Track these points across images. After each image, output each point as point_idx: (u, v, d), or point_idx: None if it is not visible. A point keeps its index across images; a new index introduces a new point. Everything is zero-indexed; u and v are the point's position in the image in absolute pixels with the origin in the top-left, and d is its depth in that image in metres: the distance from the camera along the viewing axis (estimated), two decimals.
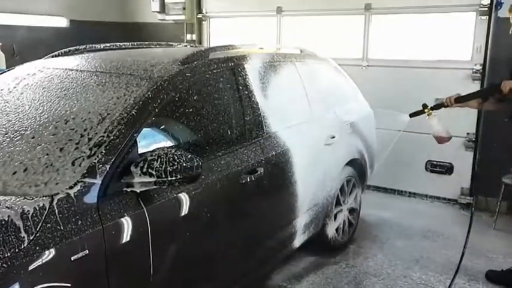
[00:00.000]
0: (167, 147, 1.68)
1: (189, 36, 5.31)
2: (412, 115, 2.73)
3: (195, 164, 1.63)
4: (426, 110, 2.68)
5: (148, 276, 1.65)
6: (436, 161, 3.95)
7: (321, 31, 4.42)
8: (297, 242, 2.61)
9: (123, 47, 2.83)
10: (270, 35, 4.72)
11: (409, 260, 2.96)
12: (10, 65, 4.49)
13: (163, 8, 5.28)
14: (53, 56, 2.56)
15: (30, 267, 1.29)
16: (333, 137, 2.77)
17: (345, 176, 3.00)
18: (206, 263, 1.95)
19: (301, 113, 2.64)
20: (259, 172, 2.15)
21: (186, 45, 3.32)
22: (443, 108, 2.68)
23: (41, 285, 1.30)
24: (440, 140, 2.75)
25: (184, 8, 5.16)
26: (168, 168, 1.58)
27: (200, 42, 5.27)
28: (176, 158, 1.60)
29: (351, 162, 3.05)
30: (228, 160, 2.04)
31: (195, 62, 2.11)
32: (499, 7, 3.52)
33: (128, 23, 5.71)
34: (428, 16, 3.93)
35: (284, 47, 3.05)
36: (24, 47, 4.69)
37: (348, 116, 3.06)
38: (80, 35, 4.97)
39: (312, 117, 2.69)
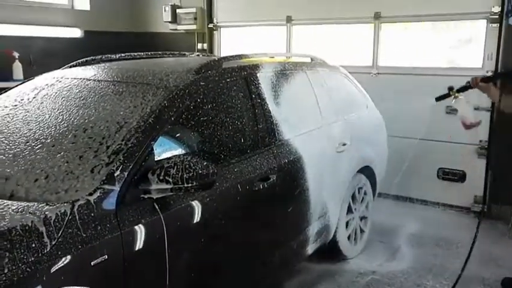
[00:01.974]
0: (183, 155, 1.72)
1: (200, 46, 5.40)
2: (438, 99, 2.68)
3: (210, 171, 1.67)
4: (452, 93, 2.61)
5: (164, 281, 1.68)
6: (448, 169, 3.92)
7: (330, 39, 4.46)
8: (309, 249, 2.62)
9: (138, 56, 2.91)
10: (280, 44, 4.78)
11: (422, 269, 2.94)
12: (27, 74, 4.62)
13: (175, 18, 5.38)
14: (70, 66, 2.63)
15: (52, 271, 1.33)
16: (345, 144, 2.79)
17: (356, 183, 3.01)
18: (220, 270, 1.97)
19: (313, 121, 2.67)
20: (272, 179, 2.17)
21: (198, 55, 3.39)
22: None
23: None
24: (468, 125, 2.63)
25: (195, 18, 5.25)
26: (185, 176, 1.62)
27: (211, 51, 5.35)
28: (192, 165, 1.64)
29: (363, 170, 3.06)
30: (242, 167, 2.07)
31: (209, 72, 2.16)
32: (509, 15, 3.53)
33: (140, 32, 5.82)
34: (438, 24, 3.95)
35: (295, 55, 3.09)
36: (41, 57, 4.81)
37: (359, 123, 3.08)
38: (94, 45, 5.09)
39: (324, 125, 2.72)
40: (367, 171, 3.12)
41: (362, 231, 3.18)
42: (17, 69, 4.59)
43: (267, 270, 2.29)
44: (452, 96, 2.60)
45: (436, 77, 3.91)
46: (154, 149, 1.74)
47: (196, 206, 1.81)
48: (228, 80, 2.23)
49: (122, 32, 5.65)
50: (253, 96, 2.30)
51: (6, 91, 2.41)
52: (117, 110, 1.90)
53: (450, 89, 2.61)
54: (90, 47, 5.01)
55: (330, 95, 2.89)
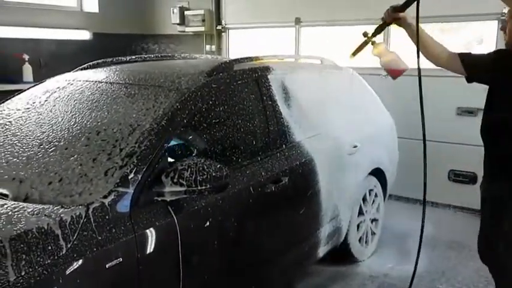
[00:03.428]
0: (196, 157, 1.71)
1: (208, 48, 5.40)
2: (354, 53, 2.26)
3: (224, 173, 1.66)
4: (368, 39, 2.18)
5: (177, 284, 1.67)
6: (459, 171, 3.89)
7: (339, 41, 4.44)
8: (321, 252, 2.60)
9: (148, 59, 2.91)
10: (288, 46, 4.76)
11: (435, 272, 2.91)
12: (37, 76, 4.66)
13: (183, 20, 5.39)
14: (81, 69, 2.64)
15: (68, 274, 1.33)
16: (355, 146, 2.77)
17: (367, 185, 2.99)
18: (232, 272, 1.97)
19: (324, 123, 2.65)
20: (284, 181, 2.16)
21: (209, 57, 3.39)
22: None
23: None
24: (394, 71, 2.24)
25: (203, 20, 5.26)
26: (198, 178, 1.61)
27: (219, 53, 5.36)
28: (206, 167, 1.64)
29: (373, 172, 3.04)
30: (253, 169, 2.07)
31: (221, 74, 2.15)
32: None
33: (148, 35, 5.84)
34: (449, 25, 3.91)
35: (305, 57, 3.08)
36: (50, 59, 4.85)
37: (370, 125, 3.06)
38: (103, 47, 5.12)
39: (334, 127, 2.70)
40: (378, 173, 3.10)
41: (373, 233, 3.15)
42: (27, 71, 4.62)
43: (279, 272, 2.27)
44: (370, 42, 2.18)
45: (447, 78, 3.87)
46: (167, 151, 1.74)
47: (209, 208, 1.81)
48: (240, 82, 2.22)
49: (130, 34, 5.68)
50: (265, 98, 2.29)
51: (17, 94, 2.43)
52: (130, 112, 1.90)
53: (365, 34, 2.20)
54: (99, 49, 5.05)
55: (340, 96, 2.88)
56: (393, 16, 2.02)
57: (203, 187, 1.62)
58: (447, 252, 3.19)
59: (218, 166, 1.66)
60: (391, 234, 3.43)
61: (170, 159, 1.78)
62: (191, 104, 1.92)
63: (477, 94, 3.72)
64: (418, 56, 2.00)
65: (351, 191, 2.78)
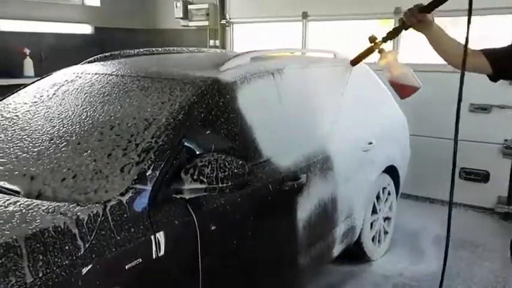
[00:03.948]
0: (216, 153, 1.63)
1: (212, 42, 5.32)
2: (354, 61, 1.85)
3: (246, 170, 1.59)
4: (376, 45, 1.79)
5: (197, 284, 1.60)
6: (471, 169, 3.82)
7: (347, 36, 4.36)
8: (336, 251, 2.53)
9: (156, 52, 2.83)
10: (294, 41, 4.68)
11: (450, 271, 2.84)
12: (38, 71, 4.56)
13: (186, 14, 5.30)
14: (89, 62, 2.55)
15: (87, 276, 1.25)
16: (371, 143, 2.70)
17: (381, 183, 2.92)
18: (251, 271, 1.90)
19: (339, 118, 2.58)
20: (302, 179, 2.09)
21: (218, 51, 3.31)
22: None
23: None
24: (404, 89, 1.83)
25: (207, 14, 5.17)
26: (220, 175, 1.54)
27: (224, 48, 5.27)
28: (227, 164, 1.56)
29: (387, 169, 2.97)
30: (272, 167, 1.99)
31: (237, 66, 2.07)
32: None
33: (151, 29, 5.74)
34: (462, 19, 3.84)
35: (318, 50, 3.00)
36: (51, 53, 4.75)
37: (384, 121, 2.99)
38: (105, 42, 5.03)
39: (350, 123, 2.63)
40: (391, 170, 3.03)
41: (385, 232, 3.09)
42: (28, 65, 4.53)
43: (295, 271, 2.20)
44: (377, 50, 1.78)
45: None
46: (184, 146, 1.66)
47: (228, 206, 1.73)
48: (255, 75, 2.14)
49: (132, 29, 5.59)
50: (281, 91, 2.22)
51: (23, 87, 2.34)
52: (144, 106, 1.82)
53: (372, 40, 1.81)
54: (101, 44, 4.96)
55: (355, 91, 2.80)
56: (418, 18, 1.67)
57: (224, 184, 1.55)
58: (460, 252, 3.13)
59: (240, 162, 1.59)
60: (402, 233, 3.38)
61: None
62: (208, 98, 1.84)
63: (490, 90, 3.67)
64: (464, 60, 1.57)
65: (366, 188, 2.71)
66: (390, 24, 4.11)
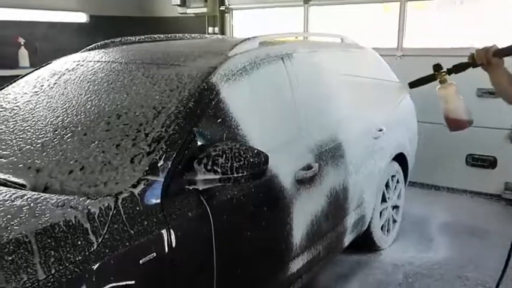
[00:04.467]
0: (230, 142, 1.56)
1: (210, 30, 5.20)
2: (413, 84, 1.86)
3: (263, 159, 1.52)
4: (439, 75, 1.76)
5: (212, 276, 1.55)
6: (478, 155, 3.78)
7: (350, 20, 4.28)
8: (346, 241, 2.49)
9: (158, 39, 2.73)
10: (296, 26, 4.59)
11: (461, 259, 2.81)
12: (33, 61, 4.44)
13: (184, 1, 5.16)
14: (89, 50, 2.46)
15: (101, 272, 1.19)
16: (381, 130, 2.64)
17: (390, 171, 2.87)
18: (265, 262, 1.85)
19: (349, 105, 2.51)
20: (314, 168, 2.03)
21: (220, 37, 3.22)
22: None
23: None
24: (456, 123, 1.80)
25: (206, 1, 5.04)
26: (235, 164, 1.47)
27: (223, 35, 5.15)
28: (242, 153, 1.50)
29: (396, 157, 2.92)
30: (284, 155, 1.93)
31: (246, 51, 1.99)
32: None
33: (147, 17, 5.61)
34: (468, 2, 3.76)
35: (325, 34, 2.91)
36: (46, 43, 4.62)
37: (393, 108, 2.93)
38: (100, 31, 4.89)
39: (360, 109, 2.56)
40: (400, 158, 2.98)
41: (394, 220, 3.05)
42: (23, 56, 4.41)
43: (307, 263, 2.15)
44: (439, 79, 1.78)
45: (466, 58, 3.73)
46: (196, 135, 1.59)
47: (242, 196, 1.67)
48: (265, 60, 2.06)
49: (129, 17, 5.44)
50: (291, 77, 2.14)
51: (21, 77, 2.24)
52: (152, 93, 1.74)
53: (436, 68, 1.80)
54: (97, 33, 4.82)
55: (363, 77, 2.73)
56: (490, 60, 1.64)
57: (239, 174, 1.48)
58: (470, 239, 3.09)
59: (255, 151, 1.52)
60: (410, 221, 3.34)
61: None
62: (218, 84, 1.76)
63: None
64: None
65: (376, 176, 2.66)
66: (395, 10, 4.03)
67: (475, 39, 3.70)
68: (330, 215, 2.23)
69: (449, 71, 1.78)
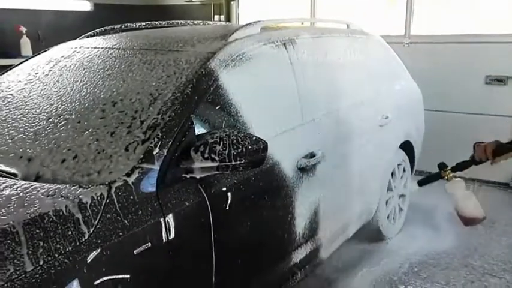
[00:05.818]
0: (228, 129, 1.51)
1: (216, 18, 5.12)
2: (422, 182, 1.99)
3: (261, 146, 1.47)
4: (444, 173, 1.89)
5: (210, 267, 1.51)
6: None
7: (357, 6, 4.17)
8: (352, 229, 2.44)
9: (159, 25, 2.67)
10: (302, 14, 4.48)
11: (467, 248, 2.76)
12: (36, 51, 4.39)
13: None
14: (87, 36, 2.41)
15: (92, 263, 1.15)
16: (387, 117, 2.57)
17: (397, 159, 2.80)
18: (266, 253, 1.81)
19: (355, 92, 2.44)
20: (317, 156, 1.97)
21: (223, 23, 3.14)
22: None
23: (101, 280, 1.17)
24: (469, 221, 1.94)
25: None
26: (233, 152, 1.42)
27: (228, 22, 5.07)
28: (240, 140, 1.44)
29: (402, 145, 2.84)
30: (285, 143, 1.87)
31: (246, 36, 1.93)
32: None
33: (152, 5, 5.53)
34: None
35: (330, 20, 2.82)
36: (49, 32, 4.58)
37: (400, 95, 2.85)
38: (104, 19, 4.82)
39: (365, 96, 2.49)
40: (407, 146, 2.90)
41: (400, 209, 2.99)
42: (26, 44, 4.37)
43: (311, 253, 2.11)
44: (445, 178, 1.90)
45: (476, 45, 3.61)
46: (193, 122, 1.54)
47: (241, 185, 1.62)
48: (267, 45, 1.99)
49: (133, 5, 5.38)
50: (293, 63, 2.07)
51: (17, 65, 2.20)
52: (148, 80, 1.69)
53: (441, 167, 1.91)
54: (101, 21, 4.75)
55: (369, 64, 2.65)
56: (490, 160, 1.78)
57: (238, 162, 1.43)
58: (476, 228, 3.01)
59: (254, 138, 1.47)
60: (417, 210, 3.27)
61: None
62: (217, 70, 1.70)
63: (507, 61, 3.49)
64: None
65: (382, 165, 2.59)
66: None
67: (483, 26, 3.59)
68: (334, 203, 2.18)
69: (454, 169, 1.90)
